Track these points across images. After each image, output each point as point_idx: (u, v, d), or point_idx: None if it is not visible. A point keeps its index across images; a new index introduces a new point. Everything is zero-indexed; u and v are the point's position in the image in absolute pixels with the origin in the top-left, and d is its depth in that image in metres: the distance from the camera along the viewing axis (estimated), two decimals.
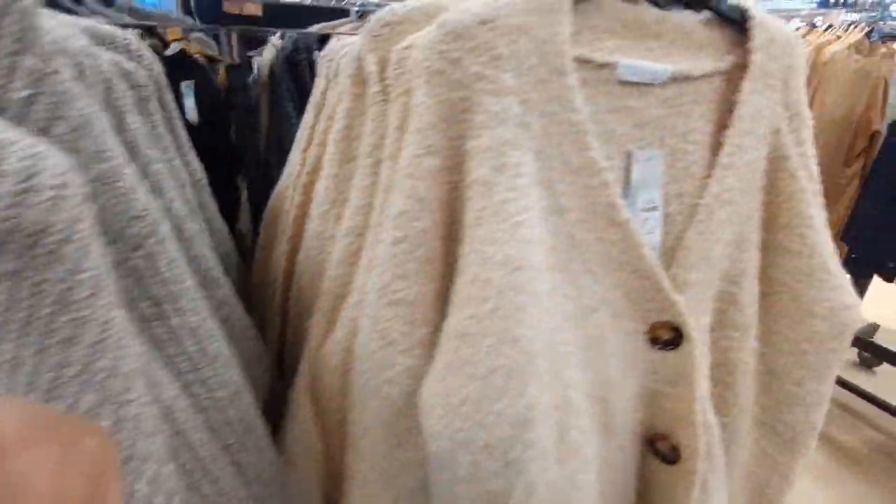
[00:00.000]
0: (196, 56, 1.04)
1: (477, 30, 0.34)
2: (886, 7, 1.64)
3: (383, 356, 0.39)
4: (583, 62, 0.40)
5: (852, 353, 2.19)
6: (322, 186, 0.49)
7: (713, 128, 0.48)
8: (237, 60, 0.88)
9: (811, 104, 1.57)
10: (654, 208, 0.47)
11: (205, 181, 0.70)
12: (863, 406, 1.95)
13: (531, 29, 0.35)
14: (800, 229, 0.51)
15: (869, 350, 2.04)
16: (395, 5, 0.42)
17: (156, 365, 0.33)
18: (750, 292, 0.52)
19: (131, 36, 0.58)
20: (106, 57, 0.47)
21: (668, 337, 0.46)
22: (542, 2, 0.35)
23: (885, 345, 1.98)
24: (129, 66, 0.55)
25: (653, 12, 0.42)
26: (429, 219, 0.36)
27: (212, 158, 1.11)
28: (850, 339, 0.55)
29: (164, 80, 0.63)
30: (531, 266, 0.36)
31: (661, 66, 0.42)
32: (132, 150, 0.41)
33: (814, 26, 1.68)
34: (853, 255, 1.62)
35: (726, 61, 0.46)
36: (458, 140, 0.36)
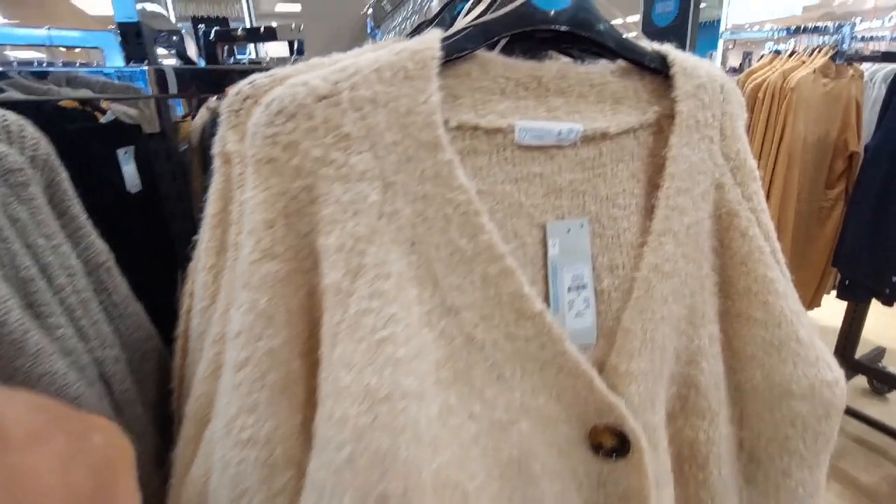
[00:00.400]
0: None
1: (315, 107, 0.28)
2: (849, 30, 1.64)
3: None
4: (469, 130, 0.33)
5: (862, 380, 2.07)
6: (200, 279, 0.41)
7: (644, 188, 0.41)
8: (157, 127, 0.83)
9: (782, 130, 1.53)
10: (583, 286, 0.40)
11: (109, 263, 0.63)
12: (878, 438, 1.81)
13: (388, 101, 0.29)
14: (761, 295, 0.44)
15: (878, 378, 1.92)
16: (257, 75, 0.36)
17: None
18: (712, 372, 0.44)
19: (11, 116, 0.53)
20: None
21: (613, 444, 0.38)
22: (398, 68, 0.29)
23: (894, 370, 1.87)
24: (1, 149, 0.49)
25: (551, 67, 0.36)
26: (277, 336, 0.29)
27: (157, 229, 1.04)
28: (838, 418, 0.46)
29: (54, 160, 0.57)
30: (404, 393, 0.28)
31: (568, 126, 0.36)
32: None
33: (777, 53, 1.67)
34: (846, 282, 1.54)
35: (651, 113, 0.40)
36: (310, 236, 0.29)
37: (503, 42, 0.36)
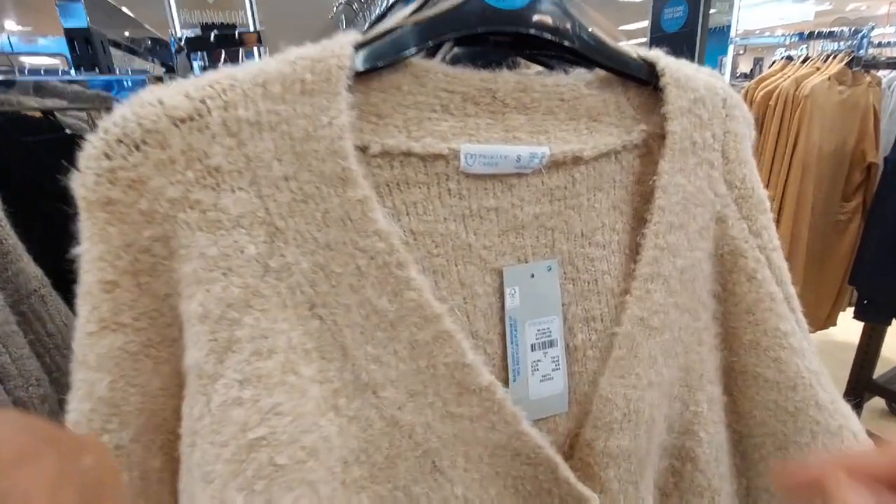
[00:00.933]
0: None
1: (170, 132, 0.21)
2: (867, 35, 1.54)
3: None
4: (398, 156, 0.26)
5: (880, 402, 1.95)
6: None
7: (629, 223, 0.34)
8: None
9: (795, 139, 1.44)
10: (551, 342, 0.32)
11: (43, 290, 0.58)
12: None
13: (277, 123, 0.22)
14: (772, 351, 0.36)
15: None
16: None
17: None
18: (713, 443, 0.37)
19: None
20: None
21: None
22: (292, 81, 0.22)
23: None
24: None
25: (508, 78, 0.28)
26: (126, 429, 0.22)
27: None
28: None
29: None
30: None
31: (530, 149, 0.29)
32: None
33: (790, 59, 1.57)
34: (865, 301, 1.44)
35: (637, 133, 0.33)
36: (171, 298, 0.22)
37: (447, 49, 0.29)
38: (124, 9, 0.98)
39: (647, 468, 0.34)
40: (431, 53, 0.30)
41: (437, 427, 0.27)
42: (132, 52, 0.81)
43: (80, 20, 0.57)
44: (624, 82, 0.33)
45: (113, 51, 0.73)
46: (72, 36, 0.57)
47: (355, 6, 0.61)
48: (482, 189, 0.29)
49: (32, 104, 0.75)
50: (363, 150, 0.25)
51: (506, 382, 0.31)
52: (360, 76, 0.25)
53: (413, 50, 0.25)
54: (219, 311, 0.21)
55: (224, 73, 0.22)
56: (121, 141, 0.20)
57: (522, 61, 0.38)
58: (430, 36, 0.26)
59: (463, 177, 0.28)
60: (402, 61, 0.26)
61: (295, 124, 0.22)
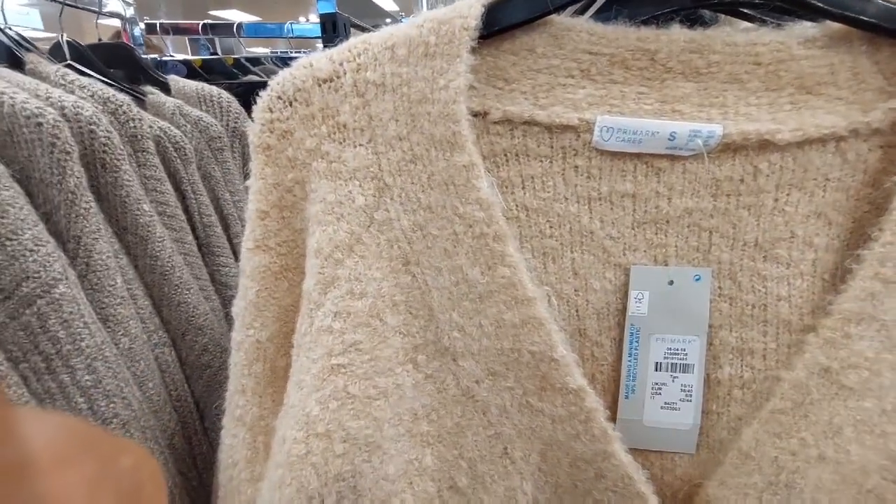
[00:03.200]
0: None
1: (313, 91, 0.24)
2: None
3: (230, 478, 0.32)
4: (520, 125, 0.25)
5: None
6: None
7: (840, 238, 0.25)
8: None
9: None
10: (684, 367, 0.27)
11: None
12: None
13: (399, 84, 0.23)
14: None
15: None
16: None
17: None
18: None
19: (224, 94, 0.66)
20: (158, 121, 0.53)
21: None
22: (417, 44, 0.23)
23: None
24: (210, 120, 0.63)
25: (678, 36, 0.23)
26: (265, 329, 0.28)
27: None
28: None
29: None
30: (347, 436, 0.23)
31: (692, 125, 0.23)
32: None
33: None
34: None
35: (881, 111, 0.23)
36: (302, 234, 0.27)
37: (599, 3, 0.25)
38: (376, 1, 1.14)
39: None
40: (583, 10, 0.27)
41: (513, 414, 0.25)
42: (363, 30, 0.95)
43: (330, 6, 0.70)
44: (873, 40, 0.23)
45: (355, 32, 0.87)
46: (324, 21, 0.71)
47: None
48: (618, 170, 0.25)
49: None
50: (483, 115, 0.25)
51: (615, 397, 0.27)
52: (491, 38, 0.24)
53: (551, 6, 0.23)
54: (328, 250, 0.24)
55: (363, 37, 0.24)
56: (279, 97, 0.25)
57: (725, 18, 0.30)
58: None
59: (595, 153, 0.25)
60: (539, 20, 0.24)
61: (414, 86, 0.23)
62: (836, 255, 0.24)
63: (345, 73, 0.24)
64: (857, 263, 0.23)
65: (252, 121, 0.26)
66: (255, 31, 1.09)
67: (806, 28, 0.24)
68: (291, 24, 0.97)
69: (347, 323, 0.24)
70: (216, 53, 1.41)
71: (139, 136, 0.50)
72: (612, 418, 0.25)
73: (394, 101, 0.23)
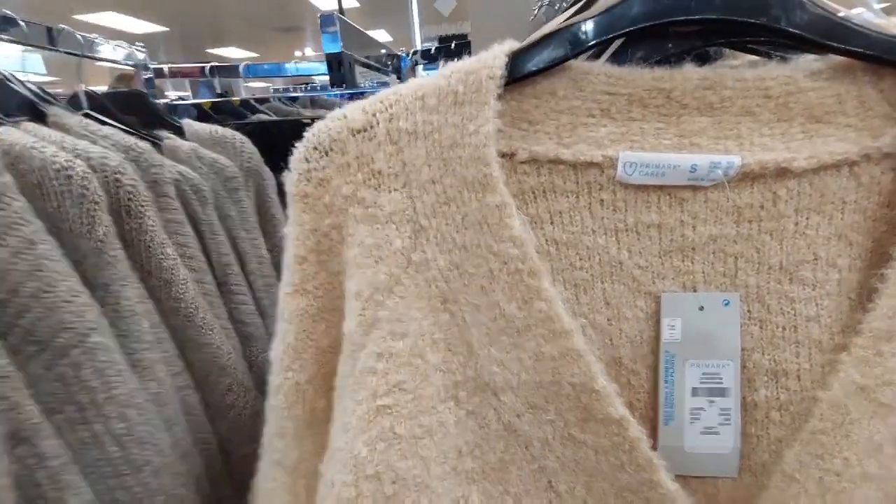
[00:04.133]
0: None
1: (348, 141, 0.25)
2: None
3: None
4: (546, 164, 0.26)
5: None
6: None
7: (862, 258, 0.25)
8: None
9: None
10: (721, 392, 0.27)
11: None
12: None
13: (430, 132, 0.25)
14: None
15: None
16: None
17: (72, 468, 0.34)
18: None
19: (237, 135, 0.68)
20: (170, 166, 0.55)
21: None
22: (446, 93, 0.24)
23: None
24: (224, 162, 0.64)
25: (691, 74, 0.25)
26: (303, 372, 0.28)
27: None
28: None
29: (264, 169, 0.70)
30: (397, 477, 0.23)
31: (711, 157, 0.25)
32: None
33: None
34: None
35: (891, 137, 0.24)
36: (340, 276, 0.27)
37: (615, 47, 0.27)
38: (370, 32, 1.18)
39: None
40: (598, 55, 0.28)
41: (556, 447, 0.26)
42: (368, 66, 0.98)
43: (336, 46, 0.73)
44: (875, 70, 0.24)
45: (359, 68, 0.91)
46: (330, 60, 0.74)
47: (557, 6, 0.60)
48: (642, 202, 0.26)
49: (307, 114, 0.99)
50: (510, 156, 0.26)
51: (654, 425, 0.28)
52: (515, 84, 0.25)
53: (571, 53, 0.24)
54: (368, 292, 0.25)
55: (393, 89, 0.26)
56: (315, 148, 0.26)
57: (729, 52, 0.32)
58: (590, 37, 0.24)
59: (619, 187, 0.26)
60: (559, 66, 0.25)
61: (444, 132, 0.24)
62: (860, 275, 0.25)
63: (378, 124, 0.25)
64: (881, 282, 0.24)
65: (262, 159, 0.27)
66: (262, 72, 1.13)
67: (810, 61, 0.25)
68: (296, 63, 1.00)
69: (390, 363, 0.24)
70: (220, 93, 1.45)
71: (160, 182, 0.52)
72: (654, 447, 0.25)
73: (426, 147, 0.25)
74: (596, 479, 0.25)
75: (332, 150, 0.25)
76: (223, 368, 0.49)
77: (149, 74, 0.89)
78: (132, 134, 0.59)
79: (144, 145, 0.52)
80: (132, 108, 0.76)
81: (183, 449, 0.43)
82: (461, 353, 0.25)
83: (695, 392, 0.27)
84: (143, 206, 0.46)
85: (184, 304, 0.47)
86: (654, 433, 0.27)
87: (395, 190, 0.25)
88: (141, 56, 0.87)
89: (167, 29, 5.48)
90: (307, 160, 0.26)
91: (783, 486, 0.25)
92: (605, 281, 0.27)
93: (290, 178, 0.26)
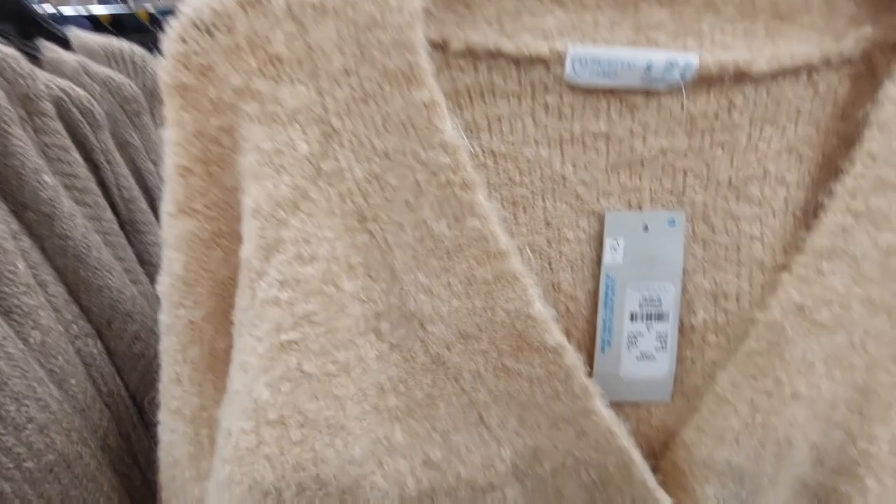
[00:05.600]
0: None
1: (237, 15, 0.20)
2: None
3: (172, 478, 0.28)
4: (484, 57, 0.22)
5: None
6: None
7: (811, 173, 0.24)
8: None
9: None
10: (660, 316, 0.26)
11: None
12: None
13: (343, 7, 0.20)
14: None
15: None
16: None
17: None
18: (885, 498, 0.26)
19: (138, 51, 0.58)
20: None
21: None
22: None
23: None
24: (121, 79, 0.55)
25: None
26: (198, 308, 0.24)
27: None
28: None
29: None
30: (305, 420, 0.20)
31: (668, 55, 0.21)
32: None
33: None
34: None
35: (853, 40, 0.22)
36: (235, 192, 0.22)
37: None
38: None
39: (767, 499, 0.26)
40: None
41: (488, 379, 0.23)
42: None
43: None
44: None
45: None
46: None
47: None
48: (591, 108, 0.23)
49: None
50: (442, 46, 0.21)
51: (590, 351, 0.26)
52: None
53: None
54: (268, 209, 0.20)
55: None
56: (195, 25, 0.20)
57: None
58: None
59: (566, 89, 0.22)
60: None
61: (360, 8, 0.19)
62: (808, 191, 0.24)
63: None
64: (828, 198, 0.23)
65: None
66: None
67: None
68: None
69: (297, 292, 0.20)
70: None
71: (33, 97, 0.42)
72: (590, 374, 0.23)
73: (337, 26, 0.20)
74: (529, 410, 0.24)
75: (215, 27, 0.20)
76: (128, 314, 0.43)
77: None
78: None
79: (10, 51, 0.42)
80: (3, 13, 0.62)
81: (81, 403, 0.38)
82: (383, 279, 0.22)
83: (633, 317, 0.25)
84: (6, 122, 0.37)
85: (72, 242, 0.40)
86: (589, 360, 0.25)
87: (299, 81, 0.20)
88: None
89: None
90: (184, 40, 0.20)
91: (714, 408, 0.24)
92: (546, 199, 0.24)
93: (164, 66, 0.20)
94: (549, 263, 0.25)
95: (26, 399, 0.33)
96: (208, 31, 0.20)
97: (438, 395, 0.23)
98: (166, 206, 0.22)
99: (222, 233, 0.23)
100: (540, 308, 0.22)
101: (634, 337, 0.26)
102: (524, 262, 0.22)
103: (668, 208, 0.24)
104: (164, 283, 0.24)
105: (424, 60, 0.20)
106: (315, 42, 0.20)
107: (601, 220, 0.24)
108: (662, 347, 0.26)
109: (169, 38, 0.20)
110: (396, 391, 0.23)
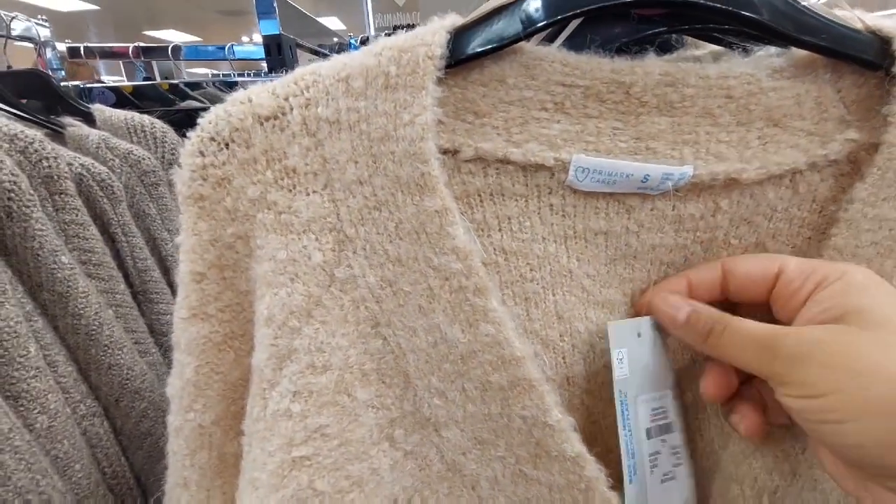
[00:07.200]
0: None
1: (254, 131, 0.20)
2: None
3: None
4: (494, 164, 0.22)
5: None
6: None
7: None
8: None
9: None
10: (668, 427, 0.24)
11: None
12: None
13: (356, 121, 0.20)
14: None
15: None
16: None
17: None
18: None
19: (157, 124, 0.60)
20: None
21: None
22: (375, 75, 0.20)
23: None
24: (141, 153, 0.56)
25: (652, 67, 0.21)
26: (208, 412, 0.23)
27: None
28: None
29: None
30: None
31: (663, 168, 0.21)
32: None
33: None
34: None
35: (838, 143, 0.22)
36: (249, 296, 0.22)
37: (572, 28, 0.23)
38: (322, 19, 1.10)
39: None
40: (552, 38, 0.25)
41: (506, 486, 0.22)
42: (314, 52, 0.91)
43: (273, 28, 0.66)
44: (836, 67, 0.22)
45: (302, 53, 0.83)
46: (267, 43, 0.67)
47: None
48: (591, 207, 0.23)
49: None
50: (453, 153, 0.22)
51: (608, 446, 0.25)
52: (458, 68, 0.21)
53: (522, 32, 0.20)
54: (282, 317, 0.20)
55: (311, 68, 0.21)
56: (213, 139, 0.21)
57: (691, 40, 0.29)
58: (545, 14, 0.21)
59: (569, 191, 0.23)
60: (508, 47, 0.21)
61: (374, 123, 0.20)
62: None
63: (291, 110, 0.20)
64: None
65: None
66: (192, 55, 1.02)
67: (772, 56, 0.23)
68: (233, 45, 0.91)
69: (310, 404, 0.20)
70: (152, 78, 1.31)
71: (55, 177, 0.44)
72: (613, 486, 0.22)
73: (351, 140, 0.20)
74: None
75: (233, 141, 0.20)
76: (136, 392, 0.42)
77: (51, 52, 0.78)
78: (23, 119, 0.50)
79: (34, 134, 0.44)
80: (30, 90, 0.65)
81: (85, 489, 0.36)
82: (397, 384, 0.21)
83: (649, 433, 0.24)
84: (27, 206, 0.38)
85: (84, 321, 0.40)
86: (606, 455, 0.24)
87: (314, 192, 0.20)
88: (45, 32, 0.75)
89: (97, 7, 5.00)
90: (202, 153, 0.20)
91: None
92: (556, 292, 0.23)
93: (181, 177, 0.21)
94: (563, 357, 0.24)
95: (29, 493, 0.31)
96: (226, 145, 0.20)
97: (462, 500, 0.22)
98: (179, 311, 0.22)
99: (235, 335, 0.23)
100: (558, 416, 0.21)
101: (654, 457, 0.24)
102: (539, 365, 0.21)
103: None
104: (175, 387, 0.23)
105: (436, 170, 0.20)
106: (330, 155, 0.20)
107: (606, 310, 0.24)
108: (679, 462, 0.25)
109: (187, 151, 0.21)
110: (411, 502, 0.21)
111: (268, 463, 0.20)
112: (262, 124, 0.20)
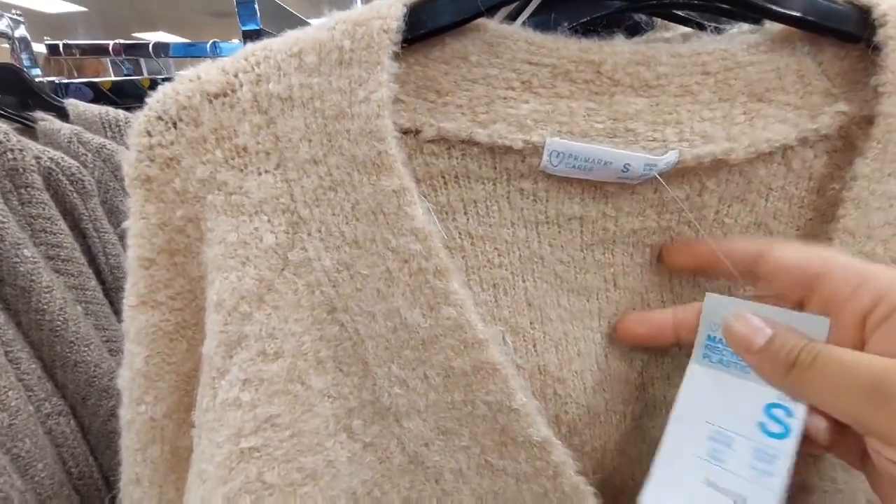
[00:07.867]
0: None
1: (203, 108, 0.19)
2: None
3: None
4: (457, 145, 0.21)
5: None
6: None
7: None
8: None
9: None
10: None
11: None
12: None
13: (309, 98, 0.19)
14: None
15: None
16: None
17: None
18: None
19: (121, 115, 0.59)
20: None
21: None
22: (329, 50, 0.19)
23: None
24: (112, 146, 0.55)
25: (621, 47, 0.21)
26: (159, 404, 0.22)
27: None
28: None
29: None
30: None
31: (646, 157, 0.21)
32: None
33: None
34: None
35: (828, 116, 0.22)
36: (201, 282, 0.21)
37: (534, 6, 0.23)
38: (311, 20, 1.09)
39: None
40: (514, 15, 0.24)
41: (471, 477, 0.21)
42: None
43: (254, 23, 0.65)
44: (815, 40, 0.22)
45: None
46: (247, 38, 0.65)
47: None
48: (565, 193, 0.22)
49: None
50: (415, 133, 0.21)
51: (582, 437, 0.24)
52: (417, 43, 0.20)
53: (482, 5, 0.20)
54: (232, 303, 0.19)
55: (262, 43, 0.20)
56: (160, 118, 0.20)
57: (661, 23, 0.29)
58: None
59: (542, 175, 0.22)
60: (469, 23, 0.20)
61: (328, 99, 0.19)
62: None
63: (241, 86, 0.19)
64: None
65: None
66: (178, 52, 1.00)
67: (746, 33, 0.23)
68: (216, 43, 0.89)
69: (260, 392, 0.19)
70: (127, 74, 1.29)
71: (20, 170, 0.42)
72: (581, 471, 0.21)
73: (304, 117, 0.19)
74: None
75: (181, 119, 0.19)
76: (104, 390, 0.41)
77: (27, 52, 0.76)
78: None
79: (1, 126, 0.42)
80: (3, 85, 0.63)
81: (48, 489, 0.35)
82: (355, 373, 0.20)
83: None
84: None
85: (48, 317, 0.39)
86: (582, 446, 0.23)
87: (266, 172, 0.19)
88: (19, 29, 0.73)
89: (85, 9, 4.94)
90: (149, 133, 0.19)
91: None
92: (526, 279, 0.23)
93: (128, 158, 0.20)
94: (534, 345, 0.23)
95: None
96: (174, 124, 0.19)
97: (417, 498, 0.21)
98: (128, 298, 0.21)
99: (187, 324, 0.22)
100: (522, 399, 0.20)
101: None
102: (505, 350, 0.21)
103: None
104: (125, 378, 0.22)
105: (393, 148, 0.19)
106: (282, 133, 0.19)
107: (581, 299, 0.23)
108: None
109: (133, 131, 0.20)
110: (371, 496, 0.21)
111: (216, 454, 0.19)
112: (210, 102, 0.19)
